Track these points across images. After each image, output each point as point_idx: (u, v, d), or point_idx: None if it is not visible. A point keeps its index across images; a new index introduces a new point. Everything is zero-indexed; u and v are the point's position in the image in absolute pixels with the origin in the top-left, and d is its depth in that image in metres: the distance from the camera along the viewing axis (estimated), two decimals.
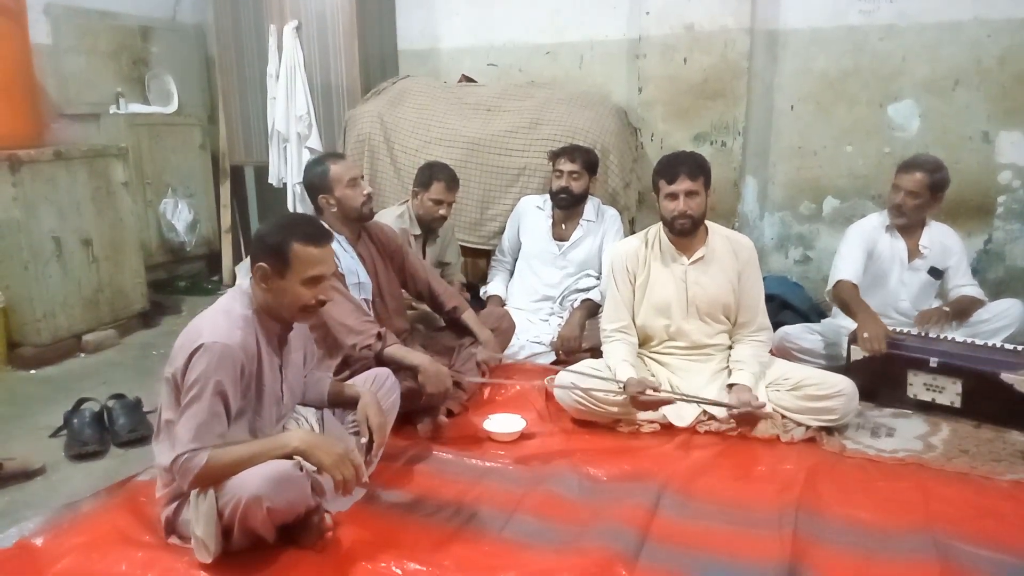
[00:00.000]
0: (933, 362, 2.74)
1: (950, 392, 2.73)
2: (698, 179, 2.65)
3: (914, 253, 3.12)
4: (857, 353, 2.86)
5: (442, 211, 3.35)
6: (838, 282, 3.06)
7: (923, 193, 3.01)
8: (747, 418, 2.58)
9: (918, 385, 2.79)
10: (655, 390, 2.62)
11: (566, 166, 3.43)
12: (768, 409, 2.60)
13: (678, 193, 2.64)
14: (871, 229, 3.16)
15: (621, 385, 2.62)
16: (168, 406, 1.94)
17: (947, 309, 3.03)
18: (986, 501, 2.18)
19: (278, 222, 2.04)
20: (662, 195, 2.69)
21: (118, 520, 2.11)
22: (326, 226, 2.11)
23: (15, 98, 3.69)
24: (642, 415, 2.67)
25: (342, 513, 2.10)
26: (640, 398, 2.59)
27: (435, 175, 3.33)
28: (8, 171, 3.36)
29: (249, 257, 2.05)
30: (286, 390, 2.10)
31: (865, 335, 2.80)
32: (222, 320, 1.94)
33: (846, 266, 3.08)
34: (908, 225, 3.10)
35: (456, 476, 2.38)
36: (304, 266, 1.96)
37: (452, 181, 3.36)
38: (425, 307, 3.18)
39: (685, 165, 2.66)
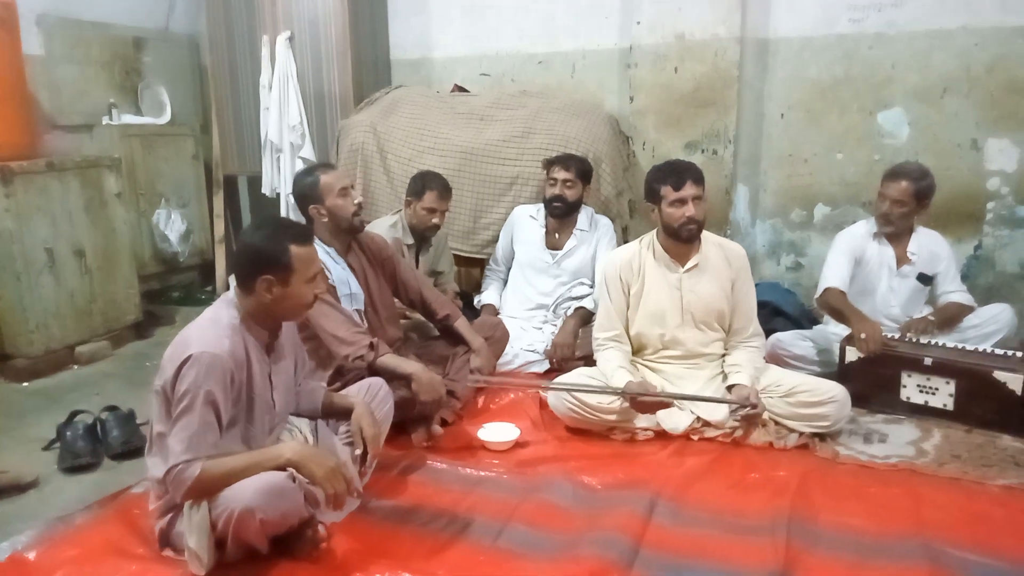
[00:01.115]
0: (927, 360, 2.77)
1: (943, 394, 2.76)
2: (701, 185, 2.69)
3: (902, 260, 3.14)
4: (852, 355, 2.88)
5: (435, 220, 3.36)
6: (826, 289, 3.09)
7: (909, 201, 3.03)
8: (751, 419, 2.59)
9: (911, 387, 2.81)
10: (655, 393, 2.62)
11: (560, 174, 3.45)
12: (762, 415, 2.61)
13: (686, 199, 2.65)
14: (859, 236, 3.19)
15: (620, 392, 2.62)
16: (159, 419, 1.94)
17: (932, 318, 3.05)
18: (977, 506, 2.20)
19: (265, 231, 2.01)
20: (666, 202, 2.68)
21: (111, 533, 2.11)
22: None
23: (8, 109, 3.68)
24: (637, 421, 2.67)
25: (336, 523, 2.10)
26: (639, 399, 2.59)
27: (428, 184, 3.35)
28: (0, 182, 3.36)
29: (236, 270, 2.05)
30: (277, 398, 2.10)
31: (862, 336, 2.82)
32: (210, 330, 1.95)
33: (833, 274, 3.10)
34: (896, 232, 3.13)
35: (450, 485, 2.39)
36: (305, 266, 1.99)
37: (445, 190, 3.37)
38: (419, 316, 3.19)
39: (690, 172, 2.69)
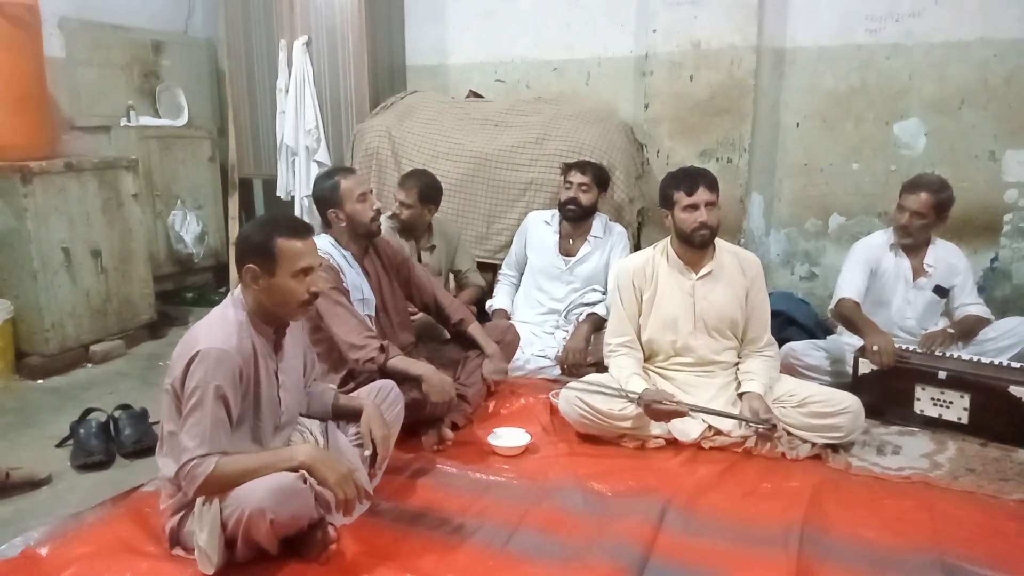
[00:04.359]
0: (941, 374, 2.74)
1: (957, 407, 2.73)
2: (714, 191, 2.69)
3: (919, 271, 3.12)
4: (865, 367, 2.85)
5: (404, 212, 3.39)
6: (840, 300, 3.07)
7: (928, 213, 3.01)
8: (765, 436, 2.57)
9: (925, 400, 2.78)
10: (672, 401, 2.60)
11: (576, 178, 3.46)
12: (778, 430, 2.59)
13: (699, 204, 2.65)
14: (876, 247, 3.17)
15: (635, 397, 2.61)
16: (169, 417, 1.95)
17: (952, 331, 3.03)
18: (993, 521, 2.17)
19: (259, 222, 2.07)
20: (679, 207, 2.69)
21: (123, 531, 2.12)
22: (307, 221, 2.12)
23: (28, 110, 3.72)
24: (651, 429, 2.66)
25: (346, 526, 2.10)
26: (654, 407, 2.58)
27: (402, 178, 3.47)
28: (20, 182, 3.40)
29: (235, 261, 2.06)
30: (284, 396, 2.10)
31: (875, 348, 2.80)
32: (218, 326, 1.96)
33: (848, 284, 3.09)
34: (913, 244, 3.10)
35: (460, 490, 2.38)
36: (291, 260, 1.97)
37: (410, 181, 3.41)
38: (428, 316, 3.19)
39: (703, 177, 2.69)
